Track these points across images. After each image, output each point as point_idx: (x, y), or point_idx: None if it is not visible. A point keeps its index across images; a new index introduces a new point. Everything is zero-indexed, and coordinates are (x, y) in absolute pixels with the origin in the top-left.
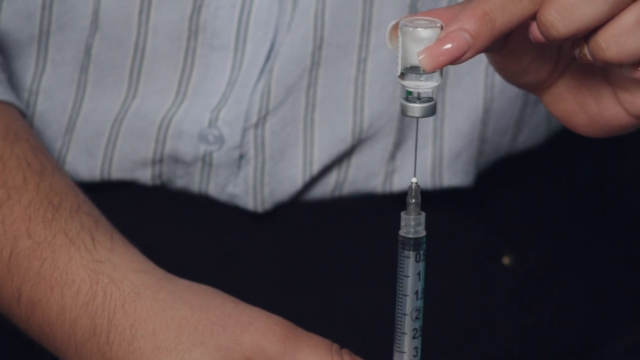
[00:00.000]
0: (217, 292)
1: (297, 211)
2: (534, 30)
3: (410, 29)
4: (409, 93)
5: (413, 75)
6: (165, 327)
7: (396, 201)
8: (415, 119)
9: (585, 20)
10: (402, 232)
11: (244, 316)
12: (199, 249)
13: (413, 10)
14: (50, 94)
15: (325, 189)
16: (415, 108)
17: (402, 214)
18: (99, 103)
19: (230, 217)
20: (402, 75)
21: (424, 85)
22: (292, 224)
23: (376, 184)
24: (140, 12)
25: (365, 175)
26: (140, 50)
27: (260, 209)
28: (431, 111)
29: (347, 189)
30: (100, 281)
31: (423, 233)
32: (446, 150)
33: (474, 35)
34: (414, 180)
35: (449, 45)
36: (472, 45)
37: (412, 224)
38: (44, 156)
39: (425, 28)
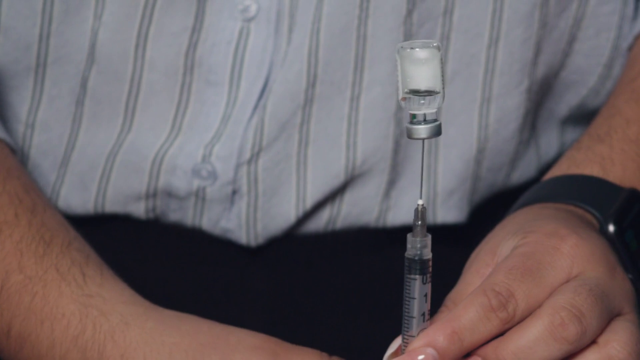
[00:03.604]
0: (203, 319)
1: (291, 245)
2: None
3: (408, 50)
4: (414, 117)
5: (415, 99)
6: (156, 354)
7: (390, 236)
8: (422, 141)
9: None
10: (408, 254)
11: (232, 337)
12: (192, 282)
13: None
14: (47, 128)
15: (318, 223)
16: (421, 130)
17: (408, 236)
18: (94, 137)
19: (223, 251)
20: (404, 99)
21: (425, 108)
22: (286, 258)
23: (369, 220)
24: (137, 46)
25: (359, 211)
26: (136, 84)
27: (253, 243)
28: (437, 132)
29: (341, 223)
30: (90, 314)
31: (429, 255)
32: (440, 188)
33: (441, 353)
34: (420, 202)
35: (420, 357)
36: None
37: (418, 246)
38: (35, 193)
39: (422, 48)
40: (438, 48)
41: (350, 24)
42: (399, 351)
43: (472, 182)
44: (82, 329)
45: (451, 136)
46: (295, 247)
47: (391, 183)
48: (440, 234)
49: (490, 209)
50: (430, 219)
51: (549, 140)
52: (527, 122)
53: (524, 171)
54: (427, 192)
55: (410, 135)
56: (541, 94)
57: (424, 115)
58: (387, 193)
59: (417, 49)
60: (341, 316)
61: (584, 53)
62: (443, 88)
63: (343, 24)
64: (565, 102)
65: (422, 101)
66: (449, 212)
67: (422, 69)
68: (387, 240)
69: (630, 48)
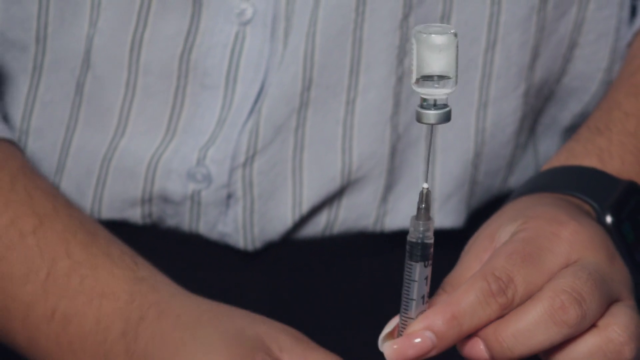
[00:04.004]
0: None
1: (288, 250)
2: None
3: (425, 35)
4: (424, 100)
5: (428, 82)
6: (189, 312)
7: (388, 240)
8: (430, 126)
9: (538, 346)
10: (410, 238)
11: (265, 322)
12: (190, 287)
13: (402, 52)
14: (40, 134)
15: (316, 228)
16: (430, 115)
17: (412, 218)
18: (88, 142)
19: (221, 256)
20: (417, 82)
21: (438, 92)
22: (283, 262)
23: (367, 225)
24: (132, 50)
25: (356, 216)
26: (131, 89)
27: (250, 247)
28: (446, 118)
29: (338, 228)
30: (141, 290)
31: (431, 239)
32: (437, 192)
33: (440, 336)
34: (425, 185)
35: (417, 340)
36: (437, 345)
37: (420, 229)
38: (61, 192)
39: (439, 34)
40: (455, 34)
41: (346, 28)
42: (394, 332)
43: (470, 186)
44: (129, 300)
45: (448, 140)
46: (293, 251)
47: (388, 188)
48: (438, 238)
49: (488, 214)
50: None
51: (549, 147)
52: (524, 126)
53: (521, 176)
54: None
55: (419, 120)
56: (542, 99)
57: (434, 100)
58: (384, 198)
59: (434, 35)
60: (339, 321)
61: (585, 58)
62: (457, 75)
63: (339, 28)
64: (569, 109)
65: (437, 85)
66: (447, 217)
67: (438, 55)
68: (385, 245)
69: (629, 44)
